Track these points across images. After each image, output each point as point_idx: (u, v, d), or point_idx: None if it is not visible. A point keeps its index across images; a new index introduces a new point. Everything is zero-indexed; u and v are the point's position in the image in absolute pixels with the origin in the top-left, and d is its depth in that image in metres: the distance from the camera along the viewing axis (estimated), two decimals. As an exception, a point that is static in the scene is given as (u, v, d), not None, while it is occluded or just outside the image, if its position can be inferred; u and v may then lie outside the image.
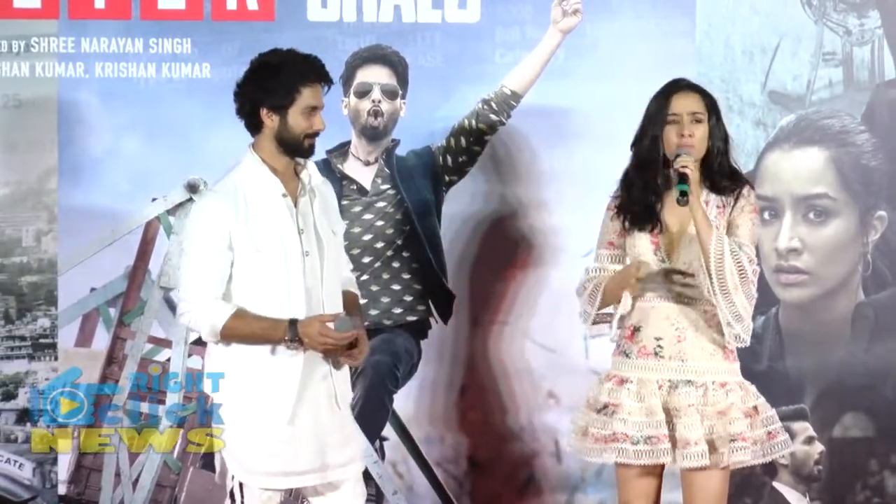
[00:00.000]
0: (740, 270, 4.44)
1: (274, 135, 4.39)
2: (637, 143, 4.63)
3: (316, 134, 4.41)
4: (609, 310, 4.65)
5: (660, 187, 4.60)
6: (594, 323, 4.69)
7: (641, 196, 4.60)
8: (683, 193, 4.41)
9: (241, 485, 4.41)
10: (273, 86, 4.35)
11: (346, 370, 4.54)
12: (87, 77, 5.75)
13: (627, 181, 4.64)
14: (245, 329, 4.34)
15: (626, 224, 4.62)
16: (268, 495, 4.42)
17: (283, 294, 4.36)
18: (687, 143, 4.53)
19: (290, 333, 4.30)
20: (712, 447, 4.50)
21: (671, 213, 4.60)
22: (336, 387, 4.45)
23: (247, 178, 4.40)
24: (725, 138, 4.62)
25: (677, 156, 4.49)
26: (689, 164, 4.46)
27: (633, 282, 4.54)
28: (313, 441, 4.40)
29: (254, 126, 4.42)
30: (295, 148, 4.40)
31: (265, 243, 4.35)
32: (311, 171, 4.48)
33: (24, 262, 5.79)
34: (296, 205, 4.42)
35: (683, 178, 4.44)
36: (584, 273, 4.70)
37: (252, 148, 4.44)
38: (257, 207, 4.36)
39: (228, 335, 4.35)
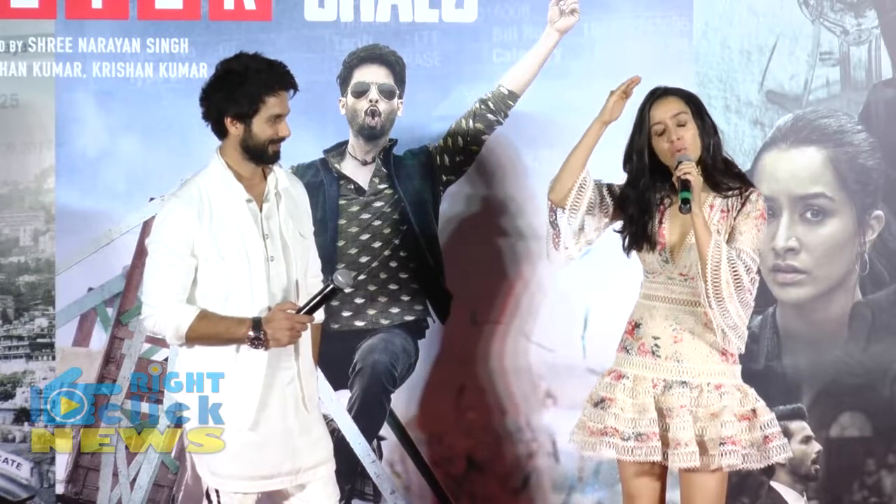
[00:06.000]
0: (736, 279, 4.43)
1: (239, 142, 4.40)
2: (627, 161, 4.65)
3: (281, 140, 4.42)
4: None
5: (653, 205, 4.59)
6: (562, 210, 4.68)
7: (637, 215, 4.60)
8: (685, 201, 4.39)
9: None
10: (237, 95, 4.35)
11: (312, 371, 4.56)
12: (85, 77, 5.75)
13: (623, 200, 4.64)
14: (209, 329, 4.35)
15: (625, 244, 4.63)
16: (240, 497, 4.43)
17: (247, 300, 4.38)
18: (679, 148, 4.53)
19: (254, 331, 4.31)
20: (703, 449, 4.51)
21: (674, 217, 4.60)
22: (303, 389, 4.47)
23: (211, 184, 4.41)
24: (715, 133, 4.61)
25: (679, 163, 4.48)
26: (690, 171, 4.44)
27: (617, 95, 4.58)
28: (281, 445, 4.42)
29: (219, 132, 4.43)
30: (260, 155, 4.41)
31: (229, 250, 4.37)
32: (277, 175, 4.49)
33: (22, 262, 5.79)
34: (261, 209, 4.42)
35: (686, 185, 4.42)
36: None
37: (218, 152, 4.46)
38: (221, 213, 4.38)
39: (193, 337, 4.36)
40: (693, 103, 4.60)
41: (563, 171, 4.67)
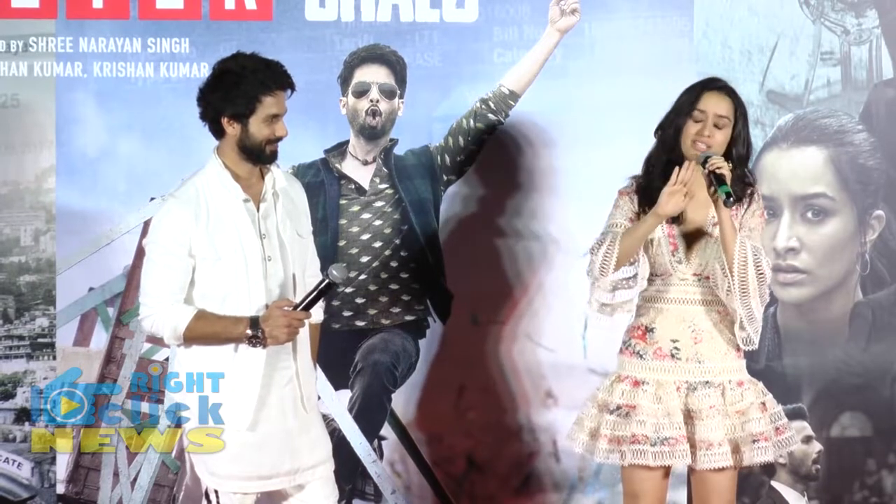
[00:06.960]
0: (759, 275, 4.47)
1: (236, 142, 4.39)
2: (662, 130, 4.62)
3: (278, 140, 4.41)
4: (627, 272, 4.62)
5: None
6: (611, 290, 4.64)
7: (663, 182, 4.57)
8: (729, 195, 4.39)
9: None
10: (233, 95, 4.34)
11: (311, 372, 4.56)
12: (85, 77, 5.75)
13: (649, 166, 4.63)
14: (207, 329, 4.34)
15: (647, 210, 4.59)
16: (240, 497, 4.43)
17: (245, 300, 4.37)
18: (703, 143, 4.52)
19: (252, 329, 4.31)
20: (734, 447, 4.53)
21: (690, 212, 4.59)
22: (302, 389, 4.47)
23: (209, 184, 4.40)
24: (748, 146, 4.61)
25: (706, 158, 4.46)
26: (722, 164, 4.44)
27: (682, 182, 4.47)
28: (280, 445, 4.41)
29: (217, 132, 4.43)
30: (257, 155, 4.40)
31: (226, 249, 4.36)
32: (275, 175, 4.48)
33: (23, 262, 5.79)
34: (258, 209, 4.42)
35: (722, 179, 4.42)
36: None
37: (216, 152, 4.45)
38: (218, 213, 4.37)
39: (191, 337, 4.35)
40: (741, 113, 4.59)
41: (619, 260, 4.55)
